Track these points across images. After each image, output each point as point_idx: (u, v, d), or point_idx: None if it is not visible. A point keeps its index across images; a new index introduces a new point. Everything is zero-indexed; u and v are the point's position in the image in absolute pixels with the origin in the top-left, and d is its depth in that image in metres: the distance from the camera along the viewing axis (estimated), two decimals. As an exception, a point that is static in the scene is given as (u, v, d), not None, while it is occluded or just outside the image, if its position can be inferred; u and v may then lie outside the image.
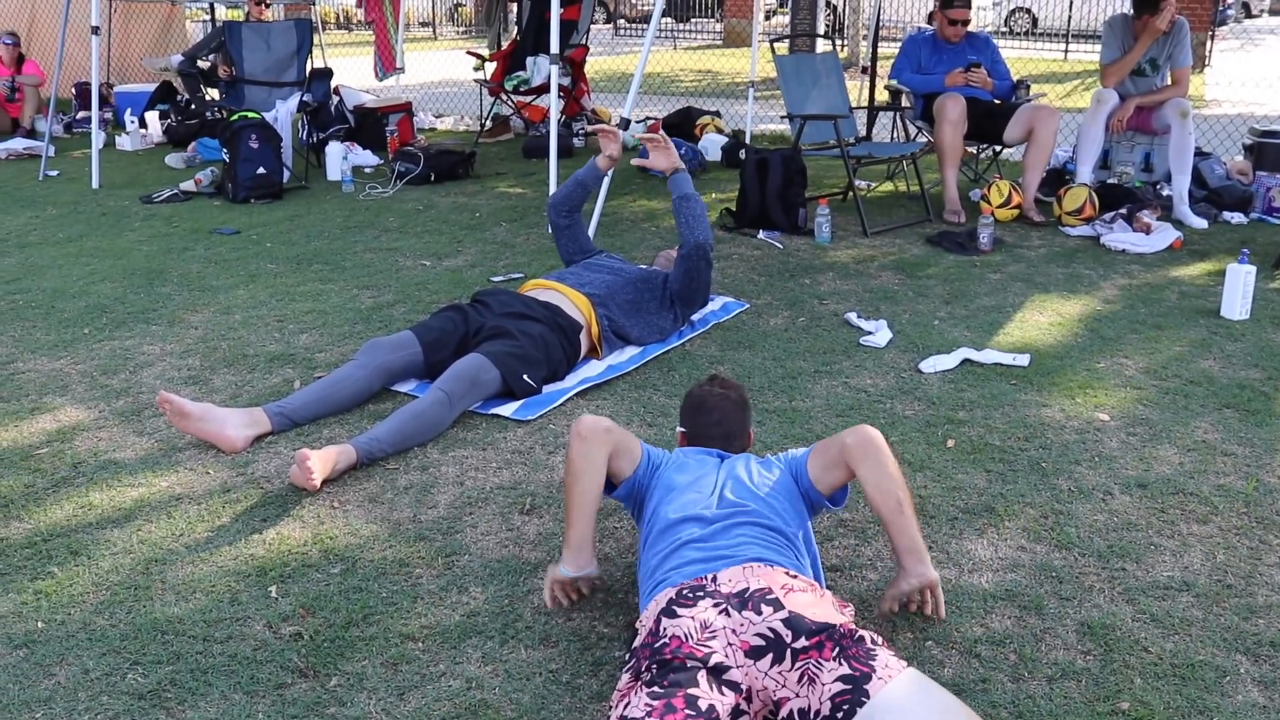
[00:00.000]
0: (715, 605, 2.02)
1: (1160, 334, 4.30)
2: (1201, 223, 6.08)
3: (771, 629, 1.96)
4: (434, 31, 25.61)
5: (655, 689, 1.87)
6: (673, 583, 2.15)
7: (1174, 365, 3.96)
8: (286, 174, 7.12)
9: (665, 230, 6.01)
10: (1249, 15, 27.38)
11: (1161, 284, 4.99)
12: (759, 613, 1.98)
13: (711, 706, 1.84)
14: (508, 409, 3.51)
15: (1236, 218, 6.22)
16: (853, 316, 4.39)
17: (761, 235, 5.78)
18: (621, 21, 26.44)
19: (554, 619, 2.44)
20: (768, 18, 23.62)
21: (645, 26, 25.92)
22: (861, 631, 1.98)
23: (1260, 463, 3.20)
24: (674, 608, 2.04)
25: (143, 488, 3.06)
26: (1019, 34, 22.80)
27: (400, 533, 2.81)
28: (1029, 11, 23.20)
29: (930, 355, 4.00)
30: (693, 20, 25.60)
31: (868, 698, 1.84)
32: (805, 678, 1.90)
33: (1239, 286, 4.42)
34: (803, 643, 1.93)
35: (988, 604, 2.50)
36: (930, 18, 6.67)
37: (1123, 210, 5.81)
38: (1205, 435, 3.38)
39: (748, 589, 2.04)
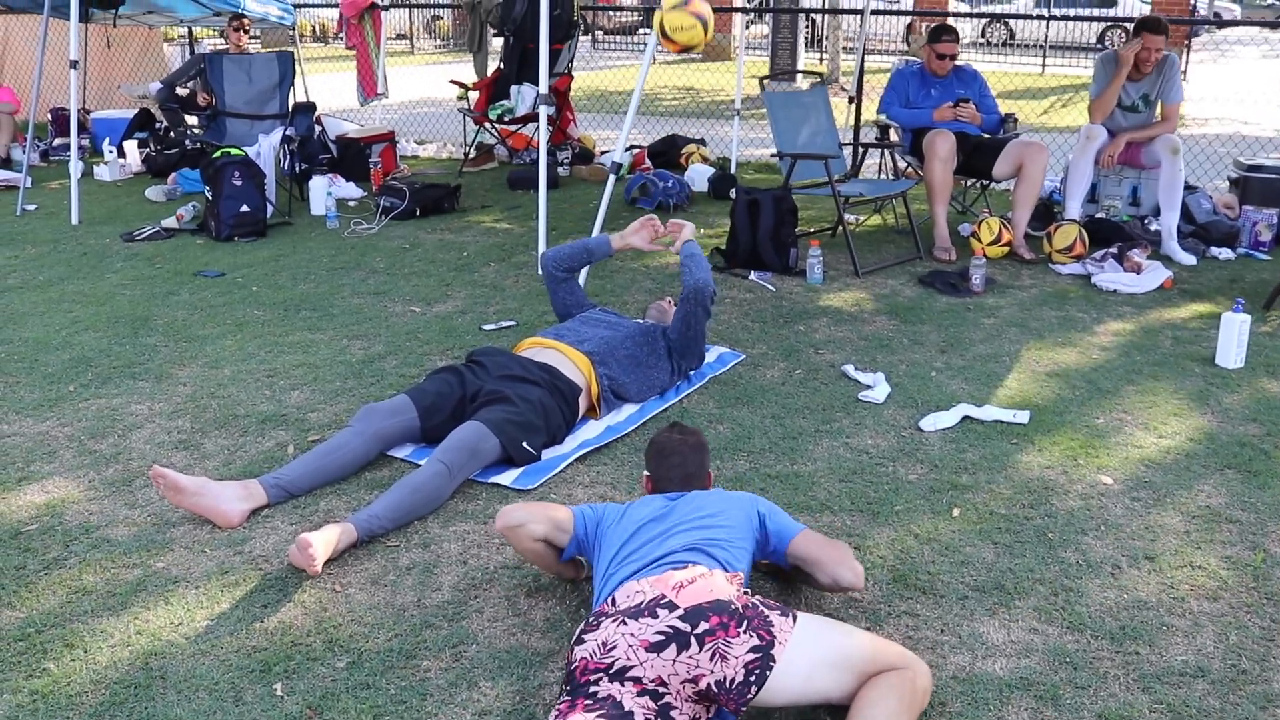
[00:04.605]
0: (614, 621, 2.27)
1: (1157, 385, 4.29)
2: (1190, 259, 6.10)
3: (671, 626, 2.21)
4: (411, 45, 25.50)
5: (564, 698, 2.20)
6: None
7: (1173, 421, 3.95)
8: (270, 209, 7.05)
9: (655, 271, 5.98)
10: (1221, 26, 27.57)
11: (1155, 328, 4.99)
12: (655, 617, 2.24)
13: (610, 695, 2.15)
14: (507, 478, 3.46)
15: (1224, 253, 6.25)
16: (850, 369, 4.37)
17: (753, 276, 5.75)
18: (599, 34, 26.38)
19: (566, 719, 2.40)
20: (746, 27, 23.65)
21: (623, 39, 25.87)
22: (751, 599, 2.31)
23: (1265, 530, 3.19)
24: (583, 635, 2.29)
25: (138, 569, 3.00)
26: (996, 46, 22.92)
27: (405, 619, 2.76)
28: (1006, 24, 23.33)
29: (930, 412, 3.98)
30: (671, 33, 25.53)
31: (775, 662, 2.18)
32: (716, 656, 2.17)
33: (1234, 335, 4.42)
34: (705, 627, 2.20)
35: (1003, 694, 2.47)
36: (907, 36, 6.69)
37: (1113, 249, 5.81)
38: (1209, 500, 3.37)
39: (642, 601, 2.30)
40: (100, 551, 3.09)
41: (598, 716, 2.11)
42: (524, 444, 3.50)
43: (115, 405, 4.14)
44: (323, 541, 2.93)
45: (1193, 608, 2.81)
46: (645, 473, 2.97)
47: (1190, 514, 3.29)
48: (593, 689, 2.18)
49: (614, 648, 2.21)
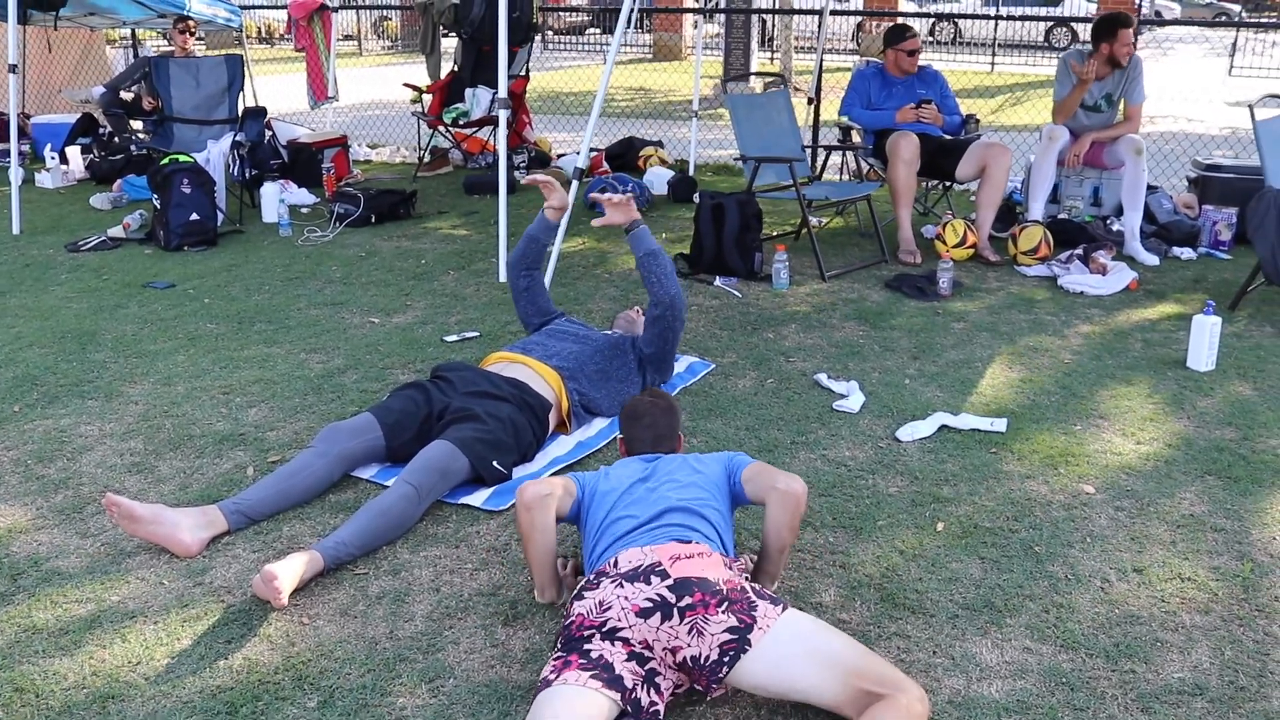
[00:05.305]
0: (612, 582, 2.36)
1: (1130, 389, 4.26)
2: (1153, 259, 6.10)
3: (659, 594, 2.29)
4: (359, 46, 25.18)
5: (559, 653, 2.30)
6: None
7: (1149, 426, 3.92)
8: (220, 217, 6.86)
9: (619, 277, 5.88)
10: (1162, 25, 27.94)
11: (1124, 330, 4.97)
12: (648, 583, 2.32)
13: (602, 655, 2.24)
14: (478, 498, 3.34)
15: (1186, 253, 6.26)
16: (823, 378, 4.29)
17: (718, 282, 5.66)
18: (549, 34, 26.21)
19: (552, 758, 2.29)
20: (694, 26, 23.60)
21: (574, 39, 25.74)
22: (743, 583, 2.37)
23: (1249, 539, 3.15)
24: (583, 592, 2.39)
25: (91, 604, 2.85)
26: (944, 45, 23.04)
27: (378, 652, 2.64)
28: (954, 23, 23.44)
29: (906, 422, 3.92)
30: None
31: (750, 645, 2.24)
32: (694, 630, 2.25)
33: (1205, 338, 4.40)
34: (687, 601, 2.27)
35: (1001, 719, 2.40)
36: (856, 34, 6.62)
37: (1079, 251, 5.80)
38: (1192, 508, 3.33)
39: (641, 565, 2.37)
40: (51, 585, 2.94)
41: (591, 677, 2.19)
42: (494, 463, 3.38)
43: (63, 426, 3.97)
44: (288, 572, 2.79)
45: (1185, 622, 2.76)
46: (618, 435, 3.10)
47: (1175, 523, 3.24)
48: (586, 646, 2.27)
49: (609, 608, 2.31)
